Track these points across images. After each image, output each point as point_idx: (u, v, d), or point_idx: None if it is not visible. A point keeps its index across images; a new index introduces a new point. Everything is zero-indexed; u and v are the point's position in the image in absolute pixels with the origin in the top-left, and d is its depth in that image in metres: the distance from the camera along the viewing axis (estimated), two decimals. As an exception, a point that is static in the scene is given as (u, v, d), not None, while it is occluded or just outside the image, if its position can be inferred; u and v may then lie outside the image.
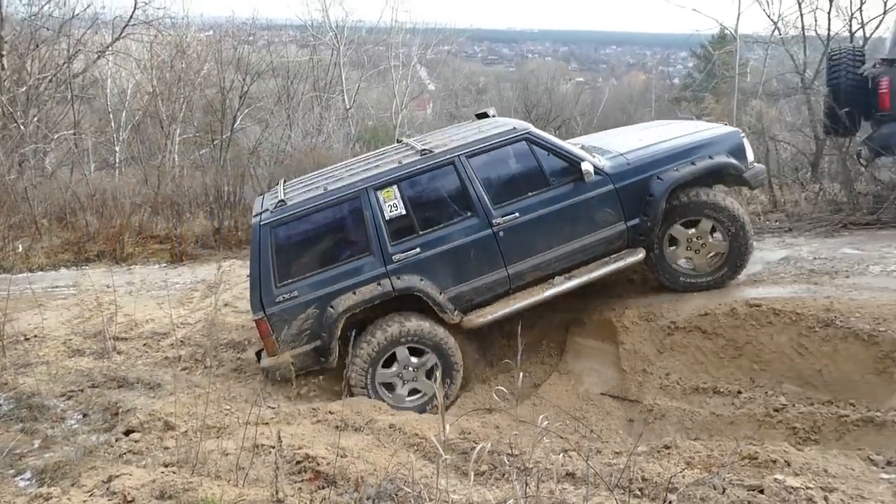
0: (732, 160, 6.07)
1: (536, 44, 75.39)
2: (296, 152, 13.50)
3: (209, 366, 5.95)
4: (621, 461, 3.92)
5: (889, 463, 4.09)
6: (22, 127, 13.73)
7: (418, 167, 5.73)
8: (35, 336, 6.74)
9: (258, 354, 5.95)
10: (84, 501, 3.30)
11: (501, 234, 5.70)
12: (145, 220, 11.17)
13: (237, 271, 8.57)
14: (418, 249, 5.62)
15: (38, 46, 14.69)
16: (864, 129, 8.55)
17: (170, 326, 6.81)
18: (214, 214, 10.96)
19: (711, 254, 6.13)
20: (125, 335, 6.81)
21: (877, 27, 13.24)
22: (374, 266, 5.57)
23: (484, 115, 6.89)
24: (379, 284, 5.54)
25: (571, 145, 6.18)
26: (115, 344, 6.51)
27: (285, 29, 26.45)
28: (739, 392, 5.44)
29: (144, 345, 6.62)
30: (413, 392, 5.74)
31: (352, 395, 5.51)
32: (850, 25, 13.56)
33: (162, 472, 3.64)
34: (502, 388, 4.18)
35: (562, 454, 4.05)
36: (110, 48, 16.72)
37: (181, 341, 6.52)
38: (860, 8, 13.45)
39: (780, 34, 15.10)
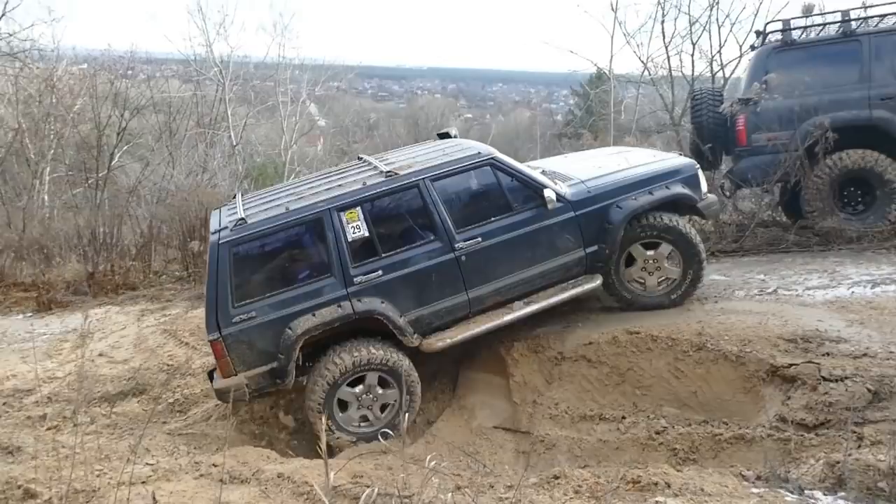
0: (688, 191, 6.27)
1: (426, 81, 76.67)
2: (179, 191, 13.01)
3: (78, 423, 5.54)
4: (512, 494, 3.94)
5: (759, 478, 4.31)
6: None
7: (383, 189, 5.68)
8: None
9: (210, 375, 5.71)
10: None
11: (464, 258, 5.70)
12: (7, 266, 10.38)
13: (114, 318, 8.11)
14: (380, 272, 5.56)
15: None
16: (727, 163, 9.21)
17: (35, 382, 6.30)
18: (88, 258, 10.35)
19: (663, 277, 6.29)
20: (-19, 394, 6.26)
21: (734, 69, 14.42)
22: (334, 288, 5.48)
23: (446, 136, 6.91)
24: (339, 307, 5.45)
25: (534, 171, 6.23)
26: (-29, 404, 5.98)
27: (167, 63, 25.54)
28: (624, 417, 5.61)
29: (4, 404, 6.11)
30: (363, 419, 5.65)
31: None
32: (712, 67, 14.75)
33: (21, 545, 3.33)
34: (388, 431, 4.11)
35: (452, 492, 4.03)
36: (-31, 81, 15.68)
37: (48, 398, 6.06)
38: (719, 51, 14.65)
39: (650, 74, 16.11)
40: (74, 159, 17.42)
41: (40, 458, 4.38)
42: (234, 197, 6.56)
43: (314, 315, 5.40)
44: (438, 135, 7.07)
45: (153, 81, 21.40)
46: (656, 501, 3.76)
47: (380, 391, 5.63)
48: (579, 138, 16.29)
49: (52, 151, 16.35)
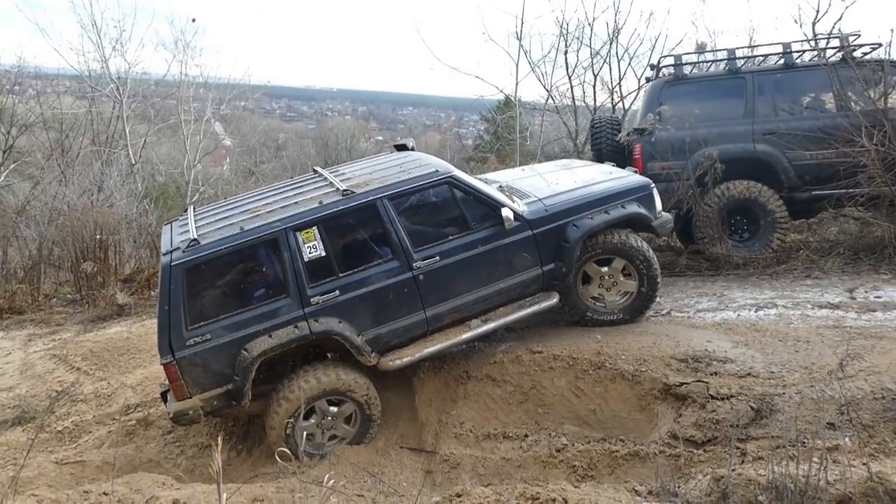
0: (643, 210, 6.40)
1: (335, 102, 76.26)
2: (72, 210, 12.38)
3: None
4: (415, 514, 3.95)
5: (650, 493, 4.49)
6: None
7: (339, 208, 5.62)
8: None
9: (164, 396, 5.52)
10: None
11: (421, 277, 5.71)
12: None
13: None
14: (337, 292, 5.53)
15: None
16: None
17: None
18: (-30, 281, 9.72)
19: (621, 291, 6.41)
20: None
21: (634, 100, 15.09)
22: (291, 308, 5.44)
23: (403, 147, 6.84)
24: (296, 327, 5.41)
25: (491, 188, 6.25)
26: None
27: (59, 79, 24.31)
28: (526, 435, 5.73)
29: None
30: (332, 438, 5.66)
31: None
32: (612, 98, 15.36)
33: None
34: (285, 450, 4.05)
35: (357, 513, 4.01)
36: None
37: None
38: (619, 83, 15.31)
39: (555, 103, 16.64)
40: (-44, 177, 16.35)
41: None
42: (185, 211, 6.37)
43: (271, 336, 5.35)
44: (395, 146, 7.06)
45: (43, 97, 20.34)
46: (554, 517, 3.85)
47: (334, 409, 5.62)
48: (485, 162, 16.57)
49: (-69, 167, 15.29)
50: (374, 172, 6.19)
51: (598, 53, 15.54)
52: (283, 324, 5.42)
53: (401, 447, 5.95)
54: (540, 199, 6.32)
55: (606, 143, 9.14)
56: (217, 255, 5.37)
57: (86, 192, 14.59)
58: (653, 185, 6.80)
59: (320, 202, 5.68)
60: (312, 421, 5.61)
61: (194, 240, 5.36)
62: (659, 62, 9.21)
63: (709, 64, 8.93)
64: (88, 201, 13.28)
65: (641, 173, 8.48)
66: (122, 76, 20.75)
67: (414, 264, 5.72)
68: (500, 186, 6.53)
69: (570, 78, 15.81)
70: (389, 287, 5.68)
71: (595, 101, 15.85)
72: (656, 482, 4.52)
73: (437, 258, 5.79)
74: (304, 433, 5.53)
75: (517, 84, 16.45)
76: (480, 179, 6.87)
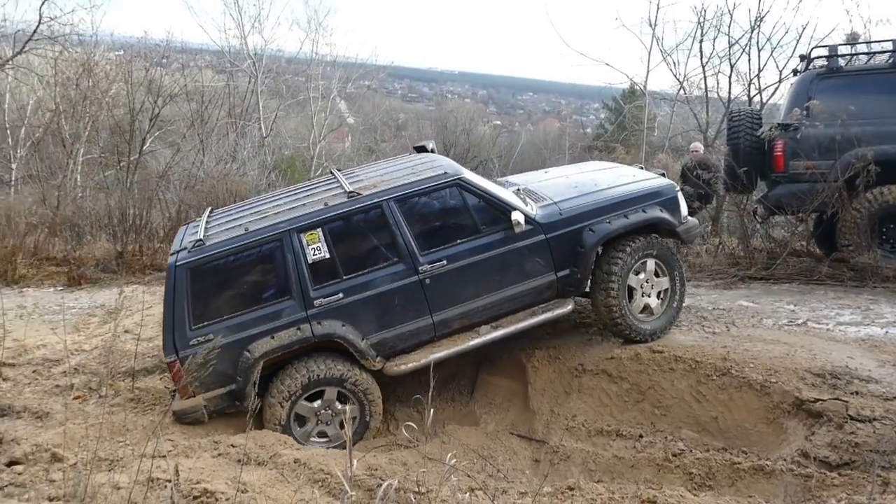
0: (665, 215, 6.09)
1: (456, 85, 76.73)
2: (208, 178, 13.13)
3: (104, 395, 5.62)
4: (526, 501, 3.94)
5: (776, 511, 4.29)
6: None
7: (345, 210, 5.54)
8: (-89, 358, 6.20)
9: (173, 394, 5.68)
10: (-44, 540, 3.03)
11: (428, 281, 5.56)
12: (41, 241, 10.56)
13: (140, 297, 8.20)
14: (341, 294, 5.44)
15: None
16: (761, 188, 9.12)
17: (63, 353, 6.40)
18: (118, 238, 10.50)
19: (659, 291, 6.16)
20: (13, 361, 6.35)
21: (773, 94, 14.28)
22: (294, 310, 5.38)
23: (423, 149, 6.82)
24: (299, 329, 5.35)
25: (504, 191, 6.08)
26: (2, 370, 6.07)
27: (201, 53, 25.82)
28: (641, 436, 5.57)
29: (34, 372, 6.20)
30: (321, 434, 5.56)
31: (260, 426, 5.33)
32: (749, 90, 14.60)
33: (46, 508, 3.39)
34: (412, 425, 4.12)
35: (468, 493, 4.04)
36: (10, 62, 15.92)
37: (75, 369, 6.15)
38: (758, 75, 14.51)
39: (686, 93, 16.01)
40: (107, 142, 17.68)
41: (67, 425, 4.44)
42: (203, 213, 6.46)
43: (273, 338, 5.31)
44: (415, 148, 6.96)
45: (187, 70, 21.65)
46: (672, 522, 3.73)
47: (339, 406, 5.52)
48: (612, 152, 16.21)
49: (87, 133, 16.58)
50: (385, 175, 6.06)
51: (736, 42, 14.82)
52: (286, 325, 5.35)
53: (510, 433, 5.95)
54: (555, 203, 6.07)
55: (745, 138, 8.63)
56: (221, 256, 5.37)
57: (221, 161, 15.46)
58: (677, 188, 6.45)
59: (325, 204, 5.60)
60: (315, 405, 5.49)
61: (199, 240, 5.40)
62: (810, 53, 8.61)
63: (868, 56, 8.25)
64: (223, 169, 14.07)
65: (782, 172, 8.08)
66: (259, 53, 21.84)
67: (420, 268, 5.56)
68: (518, 189, 6.30)
69: (703, 68, 15.20)
70: (395, 291, 5.53)
71: (730, 92, 15.14)
72: (784, 501, 4.29)
73: (445, 262, 5.61)
74: (299, 413, 5.46)
75: (648, 72, 15.98)
76: (501, 182, 6.67)
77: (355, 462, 3.47)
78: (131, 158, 16.34)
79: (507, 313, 5.87)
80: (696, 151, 10.34)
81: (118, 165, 16.58)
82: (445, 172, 5.83)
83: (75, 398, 5.65)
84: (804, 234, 8.63)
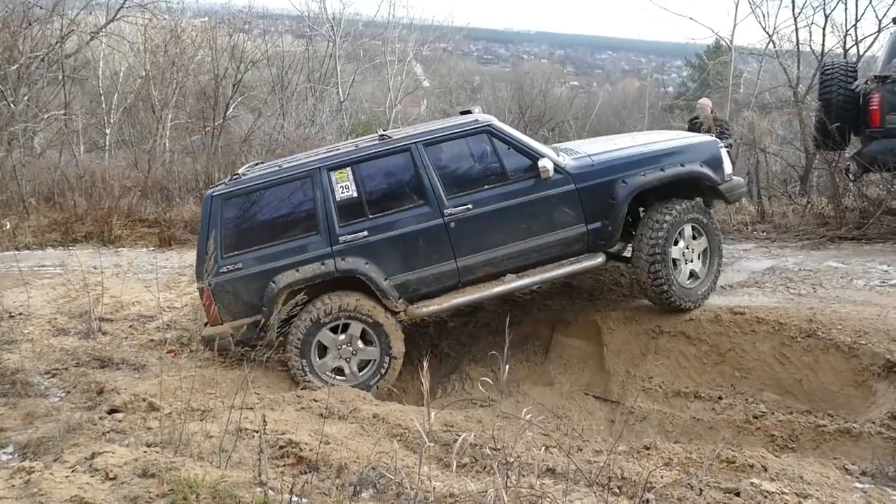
0: (706, 170, 5.92)
1: (532, 45, 75.35)
2: (288, 142, 13.45)
3: (195, 350, 5.94)
4: (601, 459, 3.95)
5: (864, 473, 4.15)
6: (12, 105, 13.58)
7: (374, 151, 5.70)
8: (20, 314, 6.70)
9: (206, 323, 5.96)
10: (66, 477, 3.29)
11: (453, 224, 5.60)
12: (134, 203, 11.15)
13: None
14: (366, 233, 5.55)
15: (30, 25, 14.50)
16: (854, 145, 8.65)
17: (156, 309, 6.79)
18: (204, 201, 10.92)
19: (699, 251, 6.01)
20: (111, 316, 6.80)
21: (870, 45, 13.39)
22: (319, 245, 5.53)
23: (468, 113, 6.89)
24: (322, 264, 5.50)
25: (535, 142, 6.06)
26: (101, 325, 6.50)
27: (281, 19, 26.29)
28: (720, 398, 5.50)
29: (130, 327, 6.61)
30: (338, 371, 5.67)
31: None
32: (845, 42, 13.70)
33: (145, 452, 3.63)
34: (487, 380, 4.19)
35: (543, 449, 4.09)
36: (104, 30, 16.56)
37: (167, 325, 6.52)
38: (855, 25, 13.60)
39: (775, 47, 15.21)
40: (193, 108, 18.27)
41: (162, 377, 4.73)
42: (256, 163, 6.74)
43: (297, 271, 5.46)
44: (461, 112, 6.90)
45: (268, 36, 22.07)
46: (751, 483, 3.67)
47: (360, 346, 5.62)
48: (693, 110, 15.68)
49: (174, 99, 17.17)
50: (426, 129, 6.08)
51: (833, -10, 13.86)
52: (311, 259, 5.48)
53: (585, 394, 5.97)
54: (588, 155, 5.98)
55: (838, 92, 8.13)
56: (254, 189, 5.59)
57: (301, 125, 15.79)
58: (721, 144, 6.17)
59: (357, 146, 5.76)
60: (340, 337, 5.59)
61: (237, 174, 5.68)
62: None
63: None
64: (303, 133, 14.36)
65: (877, 127, 7.62)
66: (337, 17, 21.97)
67: (445, 211, 5.58)
68: (556, 148, 6.20)
69: (795, 19, 14.30)
70: (419, 233, 5.57)
71: (823, 45, 14.27)
72: (872, 463, 4.16)
73: (470, 206, 5.60)
74: (322, 341, 5.57)
75: (735, 26, 15.25)
76: (554, 148, 6.51)
77: (432, 416, 3.55)
78: (216, 123, 16.84)
79: (534, 264, 5.80)
80: (704, 108, 9.86)
81: (203, 130, 17.14)
82: (476, 119, 5.88)
83: (168, 352, 6.00)
84: (901, 193, 8.14)
